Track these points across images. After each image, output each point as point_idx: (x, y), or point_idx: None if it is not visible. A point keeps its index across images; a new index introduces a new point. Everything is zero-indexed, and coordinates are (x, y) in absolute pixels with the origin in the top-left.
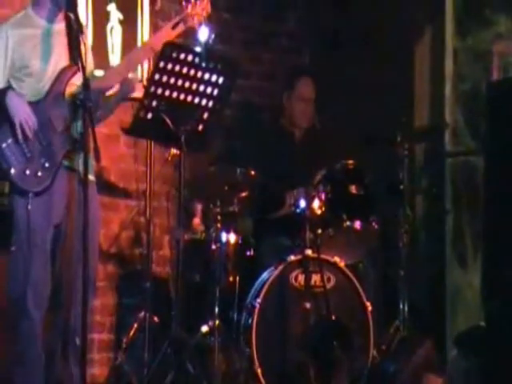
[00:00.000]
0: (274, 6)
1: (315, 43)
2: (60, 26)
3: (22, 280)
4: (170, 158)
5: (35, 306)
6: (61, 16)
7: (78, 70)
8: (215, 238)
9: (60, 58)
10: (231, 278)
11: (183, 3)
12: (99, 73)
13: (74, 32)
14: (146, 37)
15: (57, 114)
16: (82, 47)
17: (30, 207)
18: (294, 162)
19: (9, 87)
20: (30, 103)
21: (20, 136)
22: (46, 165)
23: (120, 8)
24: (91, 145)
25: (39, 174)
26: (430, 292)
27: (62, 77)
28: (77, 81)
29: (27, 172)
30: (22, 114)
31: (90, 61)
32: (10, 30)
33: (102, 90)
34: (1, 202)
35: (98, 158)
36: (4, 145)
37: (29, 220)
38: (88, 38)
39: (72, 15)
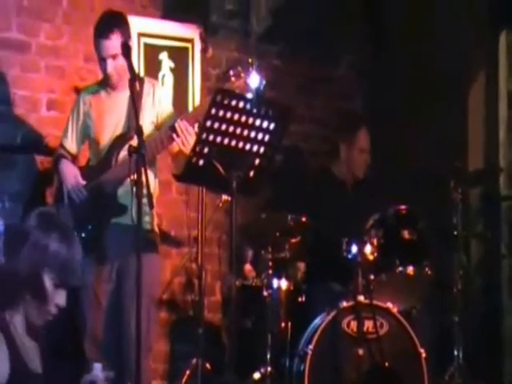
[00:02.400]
0: (325, 51)
1: (366, 87)
2: (125, 94)
3: None
4: (221, 204)
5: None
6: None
7: (131, 137)
8: (267, 284)
9: (121, 124)
10: (283, 324)
11: (230, 73)
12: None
13: (133, 93)
14: (198, 84)
15: (104, 181)
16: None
17: None
18: (345, 209)
19: (62, 155)
20: (89, 167)
21: (66, 201)
22: (89, 227)
23: (171, 56)
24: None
25: (82, 234)
26: (486, 338)
27: (113, 145)
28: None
29: (82, 235)
30: (71, 181)
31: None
32: (83, 99)
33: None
34: None
35: (151, 205)
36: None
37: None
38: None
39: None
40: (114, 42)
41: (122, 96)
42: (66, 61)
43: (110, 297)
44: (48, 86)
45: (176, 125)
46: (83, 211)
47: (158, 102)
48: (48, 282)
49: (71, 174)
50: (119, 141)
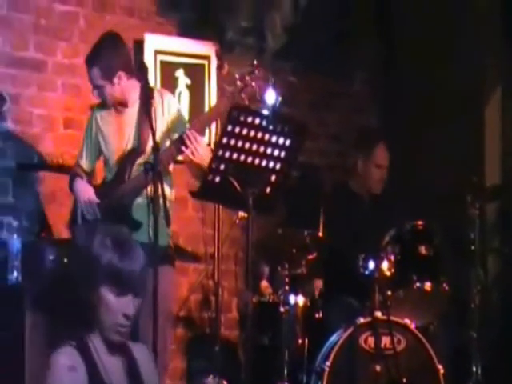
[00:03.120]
0: (339, 67)
1: (381, 102)
2: (133, 109)
3: None
4: (237, 221)
5: None
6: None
7: (142, 152)
8: (283, 301)
9: (133, 139)
10: (300, 341)
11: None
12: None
13: (148, 111)
14: (214, 101)
15: (118, 197)
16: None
17: None
18: (362, 224)
19: (76, 173)
20: (104, 184)
21: (79, 220)
22: None
23: (188, 73)
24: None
25: None
26: (504, 354)
27: (125, 160)
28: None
29: None
30: (84, 199)
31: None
32: (95, 116)
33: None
34: None
35: (168, 222)
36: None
37: None
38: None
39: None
40: (95, 74)
41: (132, 111)
42: (83, 79)
43: None
44: (65, 105)
45: (184, 136)
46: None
47: (167, 110)
48: (108, 294)
49: (84, 193)
50: (131, 156)
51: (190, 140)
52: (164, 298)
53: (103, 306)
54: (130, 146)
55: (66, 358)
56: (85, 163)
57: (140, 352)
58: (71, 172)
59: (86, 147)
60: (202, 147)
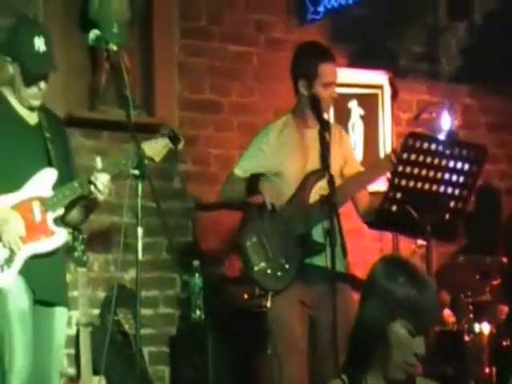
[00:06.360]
0: None
1: None
2: (313, 132)
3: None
4: (416, 250)
5: None
6: (314, 122)
7: (324, 175)
8: (468, 329)
9: (311, 163)
10: (487, 370)
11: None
12: None
13: (324, 140)
14: (388, 130)
15: (298, 218)
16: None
17: (269, 305)
18: None
19: (262, 174)
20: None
21: (269, 208)
22: (286, 266)
23: (361, 104)
24: (338, 240)
25: (279, 274)
26: None
27: (306, 182)
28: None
29: (268, 271)
30: (271, 194)
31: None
32: (271, 133)
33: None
34: (255, 303)
35: (344, 253)
36: (248, 243)
37: (277, 318)
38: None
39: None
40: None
41: (311, 133)
42: (258, 117)
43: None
44: (241, 144)
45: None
46: (278, 244)
47: (345, 149)
48: (402, 330)
49: (272, 192)
50: (312, 177)
51: None
52: (343, 312)
53: (394, 342)
54: (310, 167)
55: None
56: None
57: None
58: (253, 176)
59: (251, 162)
60: None
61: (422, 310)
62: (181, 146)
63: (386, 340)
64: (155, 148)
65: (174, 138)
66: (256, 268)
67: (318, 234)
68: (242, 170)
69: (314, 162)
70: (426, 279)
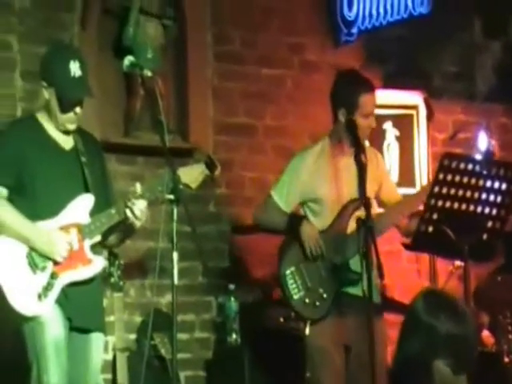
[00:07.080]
0: None
1: None
2: (349, 160)
3: None
4: (454, 271)
5: None
6: (350, 149)
7: (361, 203)
8: (507, 350)
9: (347, 190)
10: None
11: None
12: None
13: (361, 165)
14: (424, 151)
15: (337, 247)
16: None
17: (307, 332)
18: None
19: (304, 217)
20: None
21: (309, 257)
22: (324, 295)
23: (396, 125)
24: (375, 262)
25: (317, 303)
26: None
27: (344, 212)
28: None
29: (306, 300)
30: (312, 241)
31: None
32: (308, 158)
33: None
34: (291, 326)
35: (381, 276)
36: (288, 272)
37: (316, 345)
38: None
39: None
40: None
41: (346, 160)
42: (292, 140)
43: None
44: (275, 167)
45: None
46: (316, 273)
47: (381, 172)
48: (444, 369)
49: (313, 234)
50: (351, 206)
51: None
52: (383, 351)
53: (439, 382)
54: (348, 195)
55: None
56: (284, 206)
57: None
58: (291, 215)
59: (288, 190)
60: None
61: (464, 347)
62: (217, 172)
63: (431, 378)
64: (191, 174)
65: (210, 165)
66: (295, 297)
67: (354, 261)
68: (278, 195)
69: (350, 188)
70: (467, 314)
